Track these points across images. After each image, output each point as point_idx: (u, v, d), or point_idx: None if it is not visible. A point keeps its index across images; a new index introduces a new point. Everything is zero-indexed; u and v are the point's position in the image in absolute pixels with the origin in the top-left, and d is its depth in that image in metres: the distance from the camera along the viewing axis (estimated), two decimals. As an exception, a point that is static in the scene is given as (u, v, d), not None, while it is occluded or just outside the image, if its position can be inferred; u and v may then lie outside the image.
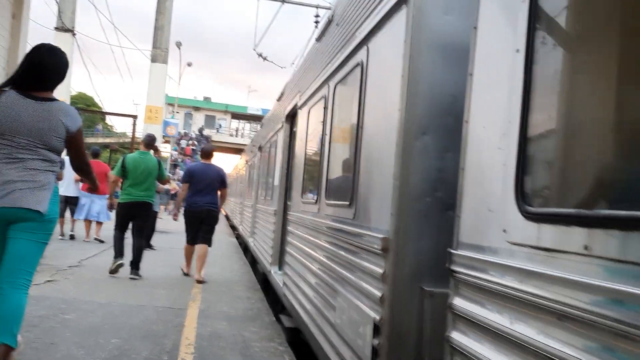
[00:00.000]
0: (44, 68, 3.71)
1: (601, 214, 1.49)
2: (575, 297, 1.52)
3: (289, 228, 6.58)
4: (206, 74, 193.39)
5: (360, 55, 3.91)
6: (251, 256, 10.19)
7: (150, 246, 12.37)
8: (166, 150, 55.73)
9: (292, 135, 7.59)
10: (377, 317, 3.01)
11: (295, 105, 7.02)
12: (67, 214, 13.00)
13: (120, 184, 8.68)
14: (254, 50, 18.18)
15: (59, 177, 4.83)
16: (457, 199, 2.39)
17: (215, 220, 8.96)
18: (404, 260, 2.89)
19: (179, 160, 50.93)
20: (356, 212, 3.70)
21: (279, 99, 9.63)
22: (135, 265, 8.45)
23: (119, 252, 8.46)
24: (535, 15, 1.88)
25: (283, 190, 7.81)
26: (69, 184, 12.44)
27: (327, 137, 4.92)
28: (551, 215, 1.71)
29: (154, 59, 17.90)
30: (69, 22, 17.91)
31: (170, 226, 17.01)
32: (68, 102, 17.87)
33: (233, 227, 22.23)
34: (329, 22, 5.29)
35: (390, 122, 3.08)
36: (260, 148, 12.64)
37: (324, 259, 4.47)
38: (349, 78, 4.31)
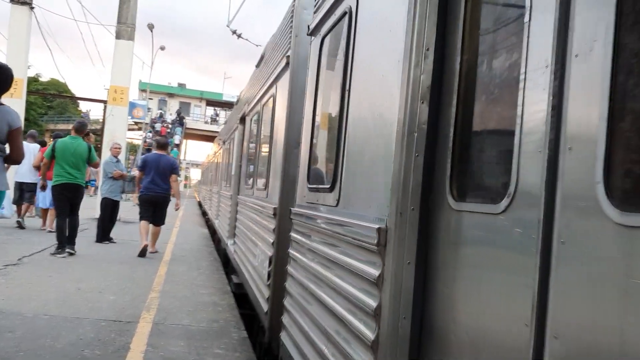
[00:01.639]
0: None
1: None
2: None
3: (238, 208, 8.45)
4: (181, 61, 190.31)
5: (272, 90, 5.90)
6: (224, 254, 10.23)
7: (109, 239, 11.06)
8: (137, 137, 53.98)
9: (243, 135, 9.31)
10: (270, 253, 4.87)
11: (244, 112, 9.01)
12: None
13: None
14: (228, 27, 16.83)
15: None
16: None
17: (166, 204, 10.34)
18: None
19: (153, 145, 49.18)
20: (268, 193, 5.54)
21: (236, 103, 12.07)
22: (70, 239, 8.99)
23: (60, 242, 8.90)
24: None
25: (237, 178, 9.17)
26: (26, 170, 11.84)
27: (258, 142, 7.08)
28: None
29: (118, 35, 16.36)
30: (25, -6, 16.37)
31: (135, 215, 15.73)
32: (25, 80, 16.39)
33: (204, 214, 22.93)
34: (262, 58, 7.39)
35: (279, 135, 5.13)
36: (224, 142, 14.56)
37: (252, 226, 6.31)
38: (269, 102, 6.15)
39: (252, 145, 7.84)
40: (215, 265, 9.47)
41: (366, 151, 2.76)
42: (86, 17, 37.41)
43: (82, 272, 7.50)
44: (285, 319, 3.93)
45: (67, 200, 9.02)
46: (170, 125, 52.55)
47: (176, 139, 51.77)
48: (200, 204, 30.70)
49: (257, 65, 7.74)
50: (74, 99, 58.45)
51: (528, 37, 1.62)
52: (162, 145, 10.96)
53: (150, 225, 10.02)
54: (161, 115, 55.21)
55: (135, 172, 15.74)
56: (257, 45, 19.11)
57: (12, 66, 15.82)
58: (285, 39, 5.26)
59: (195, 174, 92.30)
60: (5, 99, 14.92)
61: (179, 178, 11.08)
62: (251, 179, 7.32)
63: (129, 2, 16.48)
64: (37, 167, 11.11)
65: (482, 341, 1.76)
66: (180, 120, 55.74)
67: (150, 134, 48.82)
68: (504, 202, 1.65)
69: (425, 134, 2.20)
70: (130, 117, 27.75)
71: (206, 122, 65.39)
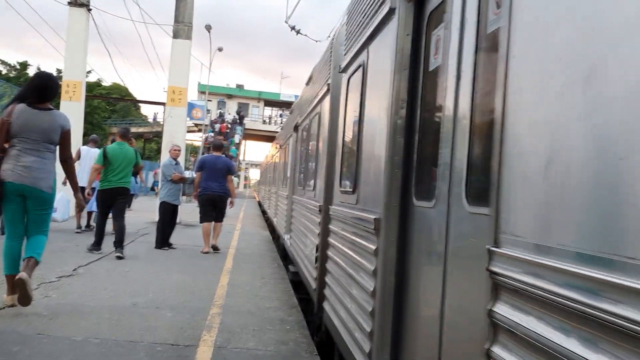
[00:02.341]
0: (43, 89, 5.38)
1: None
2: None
3: (293, 206, 9.65)
4: (238, 63, 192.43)
5: (318, 109, 6.94)
6: (282, 248, 11.54)
7: (169, 244, 10.61)
8: (197, 139, 54.38)
9: (296, 142, 10.32)
10: (316, 242, 6.03)
11: (297, 122, 10.08)
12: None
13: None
14: (286, 22, 16.23)
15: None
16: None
17: (225, 203, 10.83)
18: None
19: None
20: (315, 194, 6.66)
21: (290, 112, 13.54)
22: (119, 244, 9.03)
23: (98, 240, 9.28)
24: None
25: (292, 180, 10.47)
26: (83, 174, 11.04)
27: (307, 150, 8.17)
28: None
29: (175, 35, 16.02)
30: (83, -4, 16.23)
31: (195, 218, 15.36)
32: (83, 83, 16.24)
33: (264, 212, 24.35)
34: (310, 78, 8.29)
35: (322, 147, 6.31)
36: (280, 146, 16.07)
37: (304, 221, 7.53)
38: (315, 118, 7.26)
39: (303, 152, 9.02)
40: (280, 274, 8.82)
41: (371, 167, 3.91)
42: (144, 18, 37.72)
43: (139, 284, 6.98)
44: (326, 291, 5.22)
45: (112, 202, 9.34)
46: (230, 124, 52.67)
47: (236, 138, 51.99)
48: (260, 204, 32.71)
49: (307, 84, 8.85)
50: (135, 102, 59.57)
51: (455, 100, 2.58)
52: (218, 147, 11.29)
53: (212, 224, 10.52)
54: (221, 115, 55.46)
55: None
56: (316, 41, 18.49)
57: (70, 69, 15.68)
58: (327, 68, 6.38)
59: (254, 174, 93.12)
60: (65, 102, 14.73)
61: (235, 178, 12.16)
62: (303, 182, 8.63)
63: (186, 1, 16.11)
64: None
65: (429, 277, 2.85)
66: (240, 119, 55.90)
67: (212, 134, 49.16)
68: (433, 200, 2.76)
69: (402, 158, 3.30)
70: (189, 118, 27.63)
71: (264, 123, 65.50)
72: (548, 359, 1.54)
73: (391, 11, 3.48)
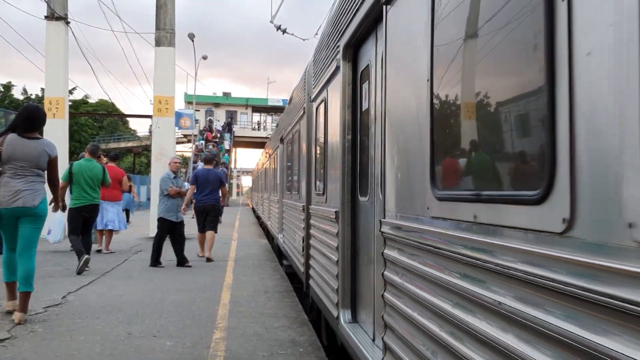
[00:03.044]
0: (31, 120, 5.95)
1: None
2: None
3: (283, 208, 10.87)
4: (224, 72, 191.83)
5: (297, 127, 8.60)
6: (277, 247, 12.58)
7: (184, 261, 10.05)
8: (187, 150, 53.69)
9: (283, 152, 11.64)
10: (303, 235, 7.36)
11: (282, 135, 11.56)
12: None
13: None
14: (271, 22, 15.73)
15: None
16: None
17: (217, 212, 11.50)
18: None
19: (204, 151, 48.61)
20: (300, 196, 8.03)
21: (277, 126, 15.46)
22: (83, 253, 8.98)
23: (79, 251, 8.99)
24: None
25: (281, 186, 11.88)
26: None
27: (292, 160, 9.65)
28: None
29: (158, 42, 15.42)
30: (61, 9, 15.58)
31: (189, 231, 14.85)
32: (66, 99, 15.65)
33: (259, 218, 25.39)
34: (291, 99, 10.01)
35: (302, 158, 7.92)
36: (269, 155, 17.49)
37: (293, 220, 8.94)
38: (295, 134, 8.91)
39: (289, 162, 10.43)
40: (284, 286, 8.29)
41: (333, 175, 5.21)
42: (124, 29, 36.95)
43: (134, 309, 6.44)
44: (311, 271, 6.60)
45: (83, 220, 9.47)
46: (219, 132, 52.25)
47: (226, 145, 51.56)
48: (254, 210, 34.90)
49: (288, 103, 10.44)
50: (121, 116, 58.83)
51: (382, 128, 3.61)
52: (209, 160, 11.88)
53: (205, 233, 11.14)
54: (211, 122, 55.04)
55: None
56: (303, 40, 18.03)
57: (52, 85, 15.09)
58: (302, 94, 7.73)
59: (246, 181, 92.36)
60: (49, 119, 14.31)
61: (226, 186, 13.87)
62: (289, 187, 10.02)
63: (166, 7, 15.56)
64: None
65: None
66: (228, 126, 55.58)
67: (202, 141, 48.75)
68: (367, 196, 4.15)
69: (350, 169, 4.69)
70: (177, 128, 26.94)
71: (253, 129, 64.96)
72: (405, 271, 2.88)
73: (337, 68, 4.94)
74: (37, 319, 5.85)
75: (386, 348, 3.14)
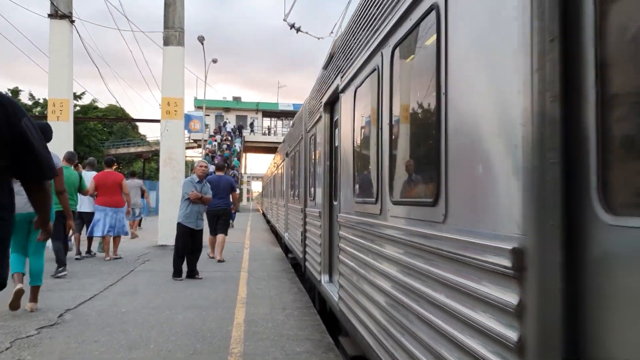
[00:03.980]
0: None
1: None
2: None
3: (288, 211, 12.73)
4: (234, 77, 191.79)
5: (297, 147, 11.01)
6: (284, 245, 14.27)
7: (194, 273, 9.41)
8: (197, 155, 53.10)
9: (287, 167, 13.80)
10: (302, 229, 9.53)
11: (287, 151, 13.82)
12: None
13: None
14: (285, 20, 15.05)
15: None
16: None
17: (228, 216, 12.25)
18: None
19: (217, 153, 48.16)
20: (299, 200, 10.16)
21: (283, 142, 16.90)
22: (59, 264, 9.13)
23: (61, 261, 9.20)
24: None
25: (286, 192, 13.75)
26: (83, 199, 11.40)
27: (291, 174, 12.50)
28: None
29: (166, 42, 14.77)
30: (65, 7, 14.97)
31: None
32: (70, 101, 15.04)
33: (269, 222, 26.06)
34: (293, 124, 12.46)
35: (300, 173, 10.66)
36: (277, 167, 19.48)
37: (294, 220, 11.09)
38: (296, 153, 11.16)
39: (292, 174, 12.15)
40: (303, 301, 7.56)
41: (319, 187, 7.32)
42: (132, 28, 36.41)
43: (138, 330, 5.74)
44: (307, 255, 8.56)
45: (62, 225, 9.06)
46: (230, 135, 52.31)
47: (237, 147, 51.62)
48: (264, 214, 36.43)
49: (292, 126, 12.32)
50: (130, 121, 58.48)
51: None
52: (220, 168, 12.82)
53: (217, 237, 11.82)
54: (224, 124, 55.00)
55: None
56: (318, 38, 17.35)
57: (55, 86, 14.48)
58: (301, 125, 9.72)
59: (256, 186, 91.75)
60: (52, 122, 13.79)
61: (238, 190, 16.23)
62: (293, 194, 11.74)
63: (175, 4, 14.92)
64: (92, 195, 11.48)
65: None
66: (239, 130, 55.55)
67: (213, 144, 48.74)
68: (337, 200, 6.40)
69: (329, 183, 6.87)
70: (187, 131, 26.23)
71: (264, 134, 64.36)
72: (346, 240, 5.04)
73: (320, 117, 7.10)
74: (27, 344, 5.16)
75: (339, 285, 5.33)
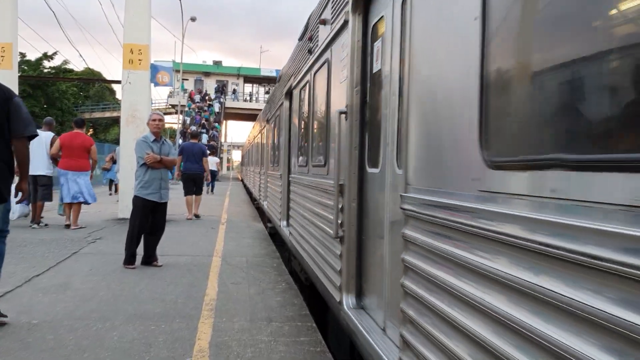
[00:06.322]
0: None
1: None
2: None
3: (267, 179, 12.64)
4: (216, 45, 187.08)
5: (280, 109, 9.96)
6: (260, 209, 15.54)
7: (152, 259, 7.29)
8: (176, 122, 50.36)
9: (268, 133, 13.58)
10: (282, 198, 9.01)
11: (268, 117, 13.39)
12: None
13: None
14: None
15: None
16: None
17: (201, 180, 13.52)
18: None
19: (194, 117, 45.75)
20: (280, 167, 9.46)
21: (266, 102, 16.56)
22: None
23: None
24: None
25: (265, 161, 13.62)
26: (39, 160, 10.18)
27: (270, 140, 12.71)
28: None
29: (129, -23, 12.42)
30: None
31: (176, 209, 13.24)
32: (15, 45, 12.67)
33: (250, 194, 23.31)
34: (279, 78, 10.45)
35: (281, 138, 10.06)
36: (253, 137, 20.86)
37: (274, 187, 10.62)
38: (280, 115, 10.19)
39: (273, 141, 11.67)
40: (295, 304, 5.49)
41: (282, 152, 9.23)
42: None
43: (57, 357, 3.63)
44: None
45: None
46: (212, 97, 50.69)
47: (216, 107, 49.55)
48: (244, 184, 34.32)
49: (277, 82, 11.16)
50: (102, 82, 55.60)
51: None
52: (195, 136, 14.96)
53: (193, 196, 13.14)
54: (200, 90, 52.98)
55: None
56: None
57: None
58: (281, 89, 9.48)
59: (237, 155, 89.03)
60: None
61: (215, 158, 20.55)
62: (273, 161, 11.20)
63: None
64: (53, 158, 10.54)
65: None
66: (221, 90, 53.78)
67: (191, 108, 46.81)
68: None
69: (287, 155, 8.66)
70: (154, 84, 23.49)
71: (245, 100, 61.80)
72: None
73: (282, 103, 9.03)
74: None
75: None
